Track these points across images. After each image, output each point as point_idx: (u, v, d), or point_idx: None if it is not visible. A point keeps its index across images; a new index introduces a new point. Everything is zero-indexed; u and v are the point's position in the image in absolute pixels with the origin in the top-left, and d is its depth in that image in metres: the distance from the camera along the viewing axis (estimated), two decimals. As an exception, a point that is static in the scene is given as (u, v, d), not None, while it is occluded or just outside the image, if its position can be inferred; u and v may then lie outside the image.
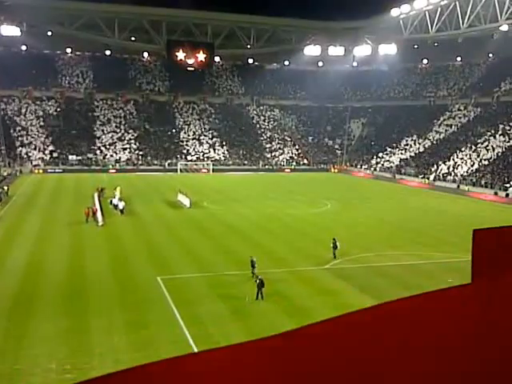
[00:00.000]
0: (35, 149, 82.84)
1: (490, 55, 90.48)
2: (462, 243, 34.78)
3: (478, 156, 72.52)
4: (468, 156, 73.90)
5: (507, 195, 58.79)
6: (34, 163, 79.67)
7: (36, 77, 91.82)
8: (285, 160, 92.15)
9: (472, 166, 71.08)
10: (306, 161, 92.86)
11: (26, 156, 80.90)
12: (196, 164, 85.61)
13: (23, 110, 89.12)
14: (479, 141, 76.14)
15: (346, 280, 26.01)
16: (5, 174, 68.84)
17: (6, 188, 54.27)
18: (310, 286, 25.16)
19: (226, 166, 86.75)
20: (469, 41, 75.82)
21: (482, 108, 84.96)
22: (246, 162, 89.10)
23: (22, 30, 77.60)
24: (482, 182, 65.07)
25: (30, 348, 17.60)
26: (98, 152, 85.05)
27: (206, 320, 20.43)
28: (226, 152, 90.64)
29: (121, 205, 43.76)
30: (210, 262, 28.72)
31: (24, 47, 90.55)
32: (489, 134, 76.42)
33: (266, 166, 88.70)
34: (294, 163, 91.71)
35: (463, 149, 76.26)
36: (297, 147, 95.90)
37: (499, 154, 70.66)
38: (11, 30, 76.81)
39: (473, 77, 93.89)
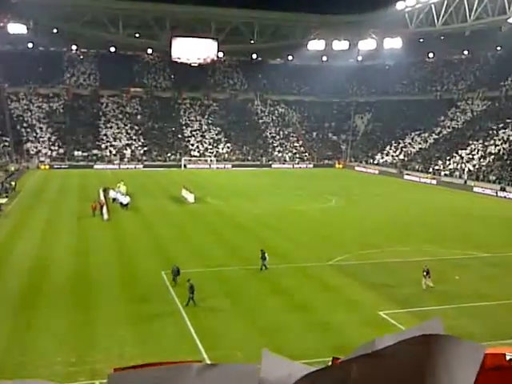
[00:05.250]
0: (42, 145, 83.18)
1: (498, 48, 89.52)
2: (468, 239, 34.62)
3: (486, 151, 71.94)
4: (475, 151, 73.32)
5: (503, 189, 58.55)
6: (40, 159, 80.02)
7: (42, 74, 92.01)
8: (289, 155, 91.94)
9: (479, 161, 70.54)
10: (310, 156, 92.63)
11: (32, 152, 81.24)
12: (200, 160, 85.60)
13: (30, 107, 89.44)
14: (487, 135, 75.49)
15: (350, 276, 25.94)
16: (12, 169, 69.22)
17: (13, 183, 54.66)
18: (315, 281, 25.13)
19: (229, 161, 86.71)
20: (476, 34, 75.05)
21: (489, 102, 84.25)
22: (249, 158, 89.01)
23: (29, 28, 77.79)
24: (490, 178, 64.56)
25: (37, 341, 17.75)
26: (103, 148, 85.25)
27: (209, 314, 20.49)
28: (229, 147, 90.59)
29: (125, 200, 44.03)
30: (213, 257, 28.75)
31: (30, 45, 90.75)
32: (497, 128, 75.72)
33: (270, 162, 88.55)
34: (298, 159, 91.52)
35: (470, 143, 75.70)
36: (301, 143, 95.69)
37: (507, 148, 70.00)
38: (18, 28, 77.05)
39: (480, 70, 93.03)
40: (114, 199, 45.55)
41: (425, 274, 23.89)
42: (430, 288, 23.64)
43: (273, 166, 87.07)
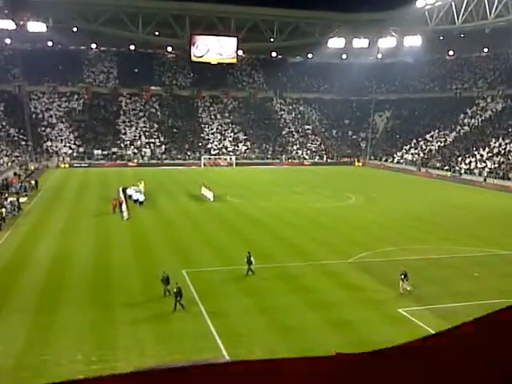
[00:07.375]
0: (61, 144, 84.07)
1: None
2: (488, 237, 34.29)
3: (506, 149, 71.06)
4: (496, 149, 72.50)
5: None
6: (60, 158, 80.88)
7: (62, 72, 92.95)
8: (308, 154, 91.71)
9: (499, 158, 69.72)
10: (329, 154, 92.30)
11: (52, 151, 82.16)
12: (219, 158, 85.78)
13: (50, 106, 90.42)
14: (506, 133, 74.57)
15: (370, 274, 25.82)
16: (32, 168, 70.14)
17: (33, 182, 55.31)
18: (335, 279, 25.05)
19: (249, 159, 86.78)
20: (496, 31, 74.09)
21: (509, 100, 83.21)
22: (269, 156, 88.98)
23: (48, 26, 78.41)
24: (510, 175, 63.82)
25: (57, 339, 17.89)
26: (122, 146, 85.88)
27: (230, 313, 20.49)
28: (249, 146, 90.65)
29: (141, 197, 44.45)
30: (234, 256, 28.75)
31: (50, 43, 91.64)
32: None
33: (290, 160, 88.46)
34: (318, 157, 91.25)
35: (490, 141, 74.86)
36: (320, 141, 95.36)
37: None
38: (37, 27, 77.62)
39: (500, 68, 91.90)
40: (130, 196, 45.92)
41: (402, 277, 22.51)
42: (408, 292, 22.39)
43: (292, 164, 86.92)
